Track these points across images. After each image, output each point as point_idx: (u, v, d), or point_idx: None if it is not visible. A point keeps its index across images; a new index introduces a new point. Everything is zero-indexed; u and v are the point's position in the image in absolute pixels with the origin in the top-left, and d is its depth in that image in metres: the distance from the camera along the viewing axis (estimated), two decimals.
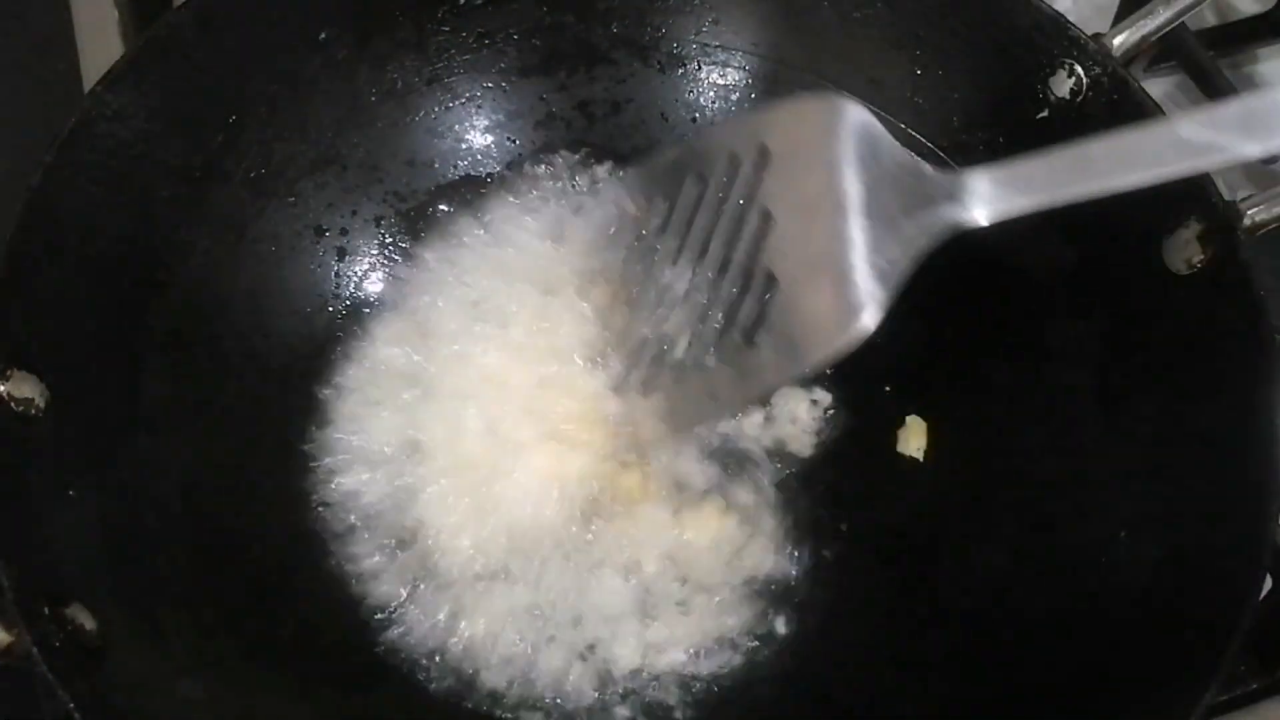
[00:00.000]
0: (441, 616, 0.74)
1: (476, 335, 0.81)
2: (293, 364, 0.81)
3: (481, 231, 0.85)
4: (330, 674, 0.72)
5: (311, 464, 0.77)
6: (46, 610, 0.58)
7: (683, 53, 0.88)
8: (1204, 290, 0.69)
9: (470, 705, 0.72)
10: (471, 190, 0.87)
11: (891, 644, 0.75)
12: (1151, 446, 0.72)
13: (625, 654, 0.74)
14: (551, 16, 0.86)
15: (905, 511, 0.79)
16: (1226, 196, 0.68)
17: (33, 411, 0.63)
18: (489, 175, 0.88)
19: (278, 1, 0.77)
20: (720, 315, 0.69)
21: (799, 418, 0.81)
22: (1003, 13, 0.76)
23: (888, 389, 0.82)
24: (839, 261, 0.62)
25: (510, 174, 0.88)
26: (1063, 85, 0.75)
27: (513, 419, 0.77)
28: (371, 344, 0.81)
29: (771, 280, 0.66)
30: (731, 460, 0.79)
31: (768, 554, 0.77)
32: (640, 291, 0.74)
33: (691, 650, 0.74)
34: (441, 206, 0.86)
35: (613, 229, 0.77)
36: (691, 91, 0.89)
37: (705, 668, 0.74)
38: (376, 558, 0.75)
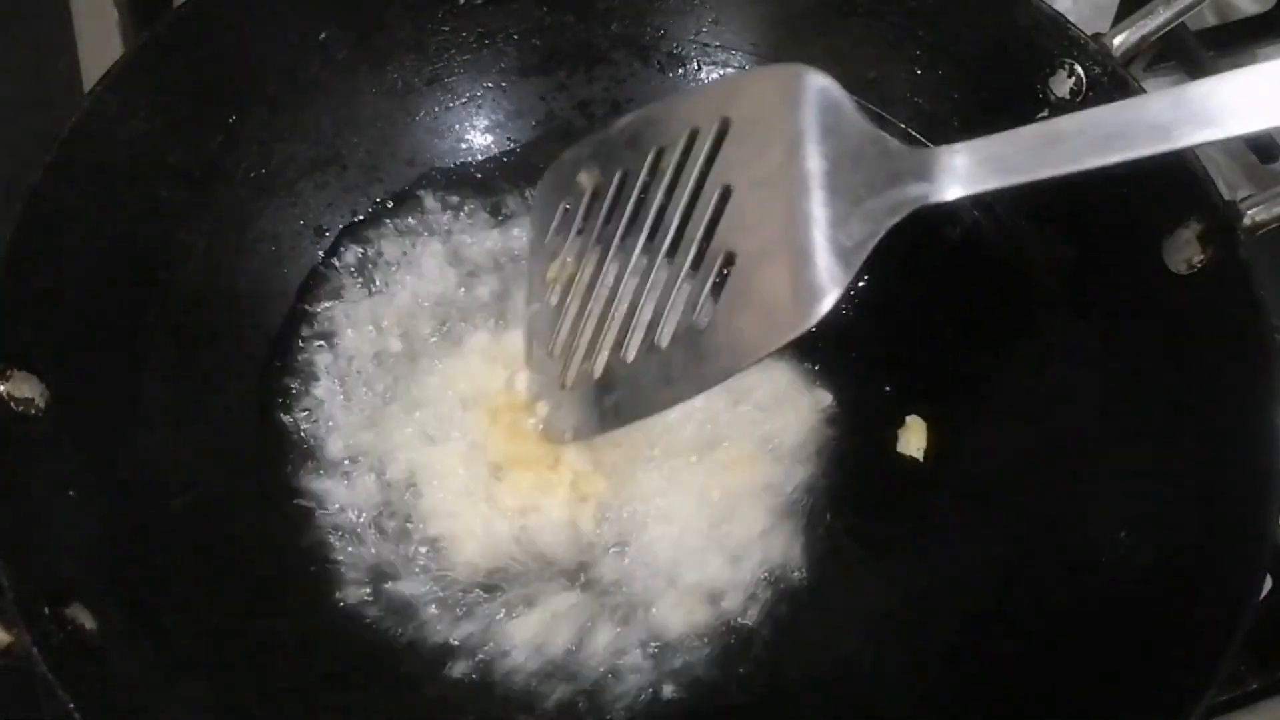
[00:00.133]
0: (442, 616, 0.74)
1: (477, 335, 0.81)
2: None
3: (482, 231, 0.85)
4: (330, 674, 0.72)
5: (312, 464, 0.77)
6: (46, 610, 0.58)
7: (683, 53, 0.88)
8: (1204, 290, 0.69)
9: (470, 705, 0.72)
10: (472, 190, 0.87)
11: (891, 644, 0.75)
12: (1151, 446, 0.72)
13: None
14: (551, 16, 0.86)
15: (905, 511, 0.79)
16: (1226, 196, 0.69)
17: (33, 411, 0.63)
18: (489, 175, 0.88)
19: (278, 1, 0.77)
20: (674, 293, 0.66)
21: (799, 417, 0.81)
22: (1002, 13, 0.76)
23: (888, 389, 0.82)
24: (799, 238, 0.60)
25: (510, 173, 0.87)
26: (1063, 85, 0.75)
27: (513, 419, 0.77)
28: (372, 344, 0.81)
29: (730, 257, 0.63)
30: (731, 459, 0.79)
31: (767, 553, 0.77)
32: (591, 270, 0.72)
33: (691, 650, 0.74)
34: (441, 206, 0.86)
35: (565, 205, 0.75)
36: None
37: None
38: (377, 558, 0.75)
